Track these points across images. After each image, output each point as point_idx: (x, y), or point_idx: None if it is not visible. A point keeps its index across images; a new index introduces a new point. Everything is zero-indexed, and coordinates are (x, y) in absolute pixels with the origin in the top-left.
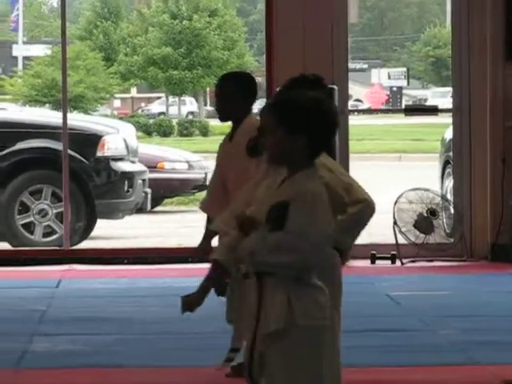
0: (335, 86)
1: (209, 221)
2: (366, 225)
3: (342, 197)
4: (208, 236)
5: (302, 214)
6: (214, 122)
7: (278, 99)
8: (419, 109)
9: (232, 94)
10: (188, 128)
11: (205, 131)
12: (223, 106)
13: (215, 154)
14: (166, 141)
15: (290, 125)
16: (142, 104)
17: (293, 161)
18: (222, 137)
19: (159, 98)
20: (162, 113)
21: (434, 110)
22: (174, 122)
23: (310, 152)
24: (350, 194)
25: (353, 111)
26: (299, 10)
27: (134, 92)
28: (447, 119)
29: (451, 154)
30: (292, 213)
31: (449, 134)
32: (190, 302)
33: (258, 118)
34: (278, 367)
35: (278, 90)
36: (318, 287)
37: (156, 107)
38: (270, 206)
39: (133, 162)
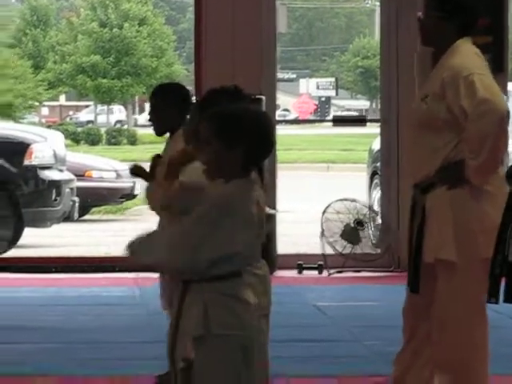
0: (263, 96)
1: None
2: None
3: None
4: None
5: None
6: (143, 131)
7: (216, 112)
8: (347, 119)
9: (163, 106)
10: (116, 137)
11: (133, 140)
12: (156, 119)
13: (143, 163)
14: (93, 149)
15: (227, 139)
16: (71, 112)
17: (228, 173)
18: (151, 146)
19: (88, 106)
20: (91, 121)
21: (361, 121)
22: (103, 130)
23: (245, 165)
24: None
25: (281, 121)
26: (228, 19)
27: (62, 100)
28: (375, 129)
29: (379, 164)
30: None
31: (376, 145)
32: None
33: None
34: (197, 375)
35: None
36: (238, 298)
37: (84, 115)
38: None
39: (61, 170)
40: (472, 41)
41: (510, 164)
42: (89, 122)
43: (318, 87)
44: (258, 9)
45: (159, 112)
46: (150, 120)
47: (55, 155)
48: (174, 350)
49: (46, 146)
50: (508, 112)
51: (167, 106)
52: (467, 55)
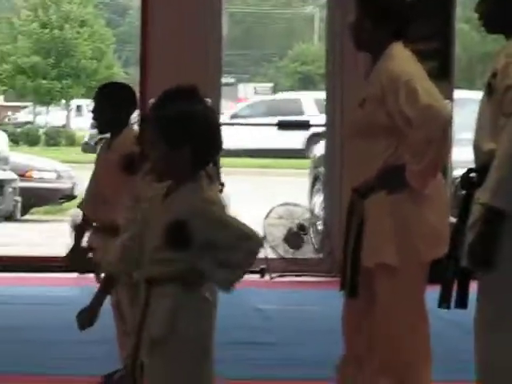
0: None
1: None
2: None
3: None
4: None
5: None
6: (81, 132)
7: (159, 113)
8: (292, 124)
9: (105, 105)
10: (55, 138)
11: (71, 141)
12: (98, 118)
13: (82, 164)
14: (33, 150)
15: (172, 139)
16: (9, 112)
17: (177, 174)
18: None
19: (26, 106)
20: (29, 122)
21: (306, 125)
22: (41, 131)
23: (194, 164)
24: None
25: (225, 124)
26: (174, 21)
27: (1, 100)
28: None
29: (321, 169)
30: (199, 228)
31: (319, 150)
32: (85, 318)
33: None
34: (159, 375)
35: (151, 101)
36: (203, 297)
37: (23, 116)
38: (166, 227)
39: (3, 169)
40: (413, 47)
41: (452, 170)
42: (27, 122)
43: (256, 92)
44: (204, 13)
45: (97, 111)
46: (93, 118)
47: None
48: (137, 351)
49: None
50: (451, 117)
51: (104, 105)
52: (404, 59)
